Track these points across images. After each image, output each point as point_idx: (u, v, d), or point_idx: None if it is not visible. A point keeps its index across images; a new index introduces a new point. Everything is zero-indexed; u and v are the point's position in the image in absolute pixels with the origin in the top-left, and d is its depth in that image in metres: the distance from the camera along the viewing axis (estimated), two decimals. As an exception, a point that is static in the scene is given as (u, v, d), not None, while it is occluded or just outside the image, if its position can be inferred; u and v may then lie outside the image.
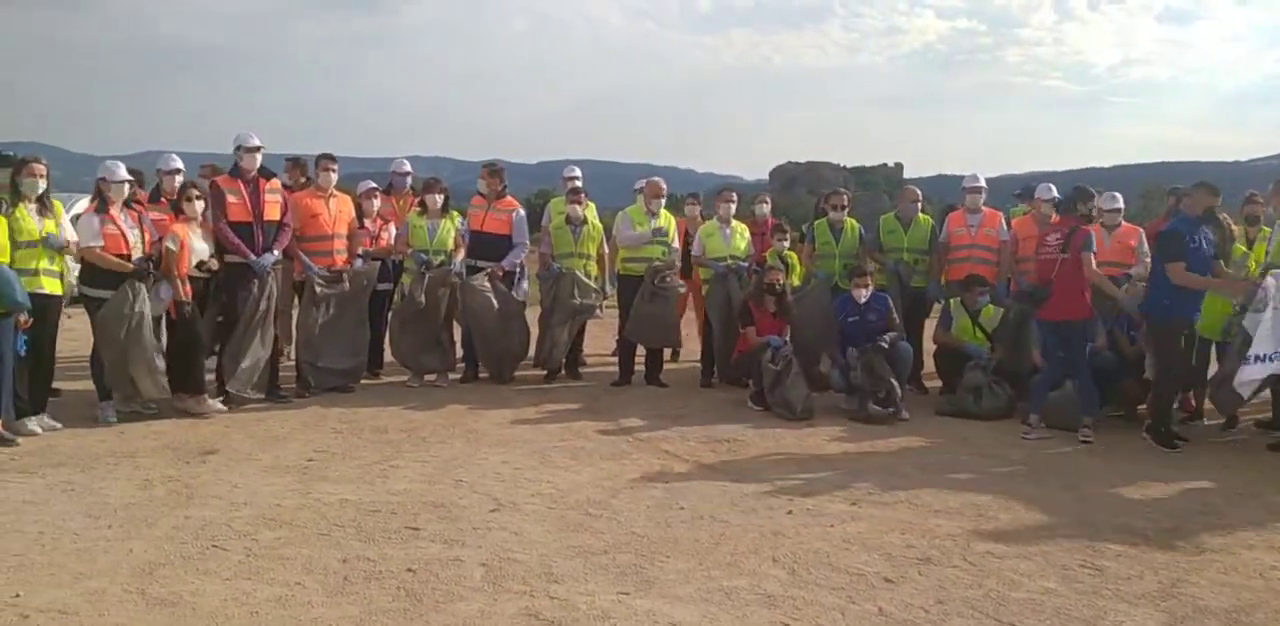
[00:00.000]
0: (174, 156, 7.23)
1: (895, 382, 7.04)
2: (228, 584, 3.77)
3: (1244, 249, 7.20)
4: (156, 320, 6.35)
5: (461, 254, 7.93)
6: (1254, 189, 7.97)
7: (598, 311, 10.92)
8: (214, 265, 6.74)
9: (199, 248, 6.68)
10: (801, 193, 70.92)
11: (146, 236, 6.44)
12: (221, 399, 6.79)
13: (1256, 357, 6.17)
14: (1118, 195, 7.85)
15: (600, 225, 8.52)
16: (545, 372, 8.37)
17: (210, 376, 7.00)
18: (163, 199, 6.95)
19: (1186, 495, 5.32)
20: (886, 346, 7.16)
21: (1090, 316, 6.75)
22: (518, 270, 8.40)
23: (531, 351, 8.34)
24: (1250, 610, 3.74)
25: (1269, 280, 6.31)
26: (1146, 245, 7.58)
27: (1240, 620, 3.65)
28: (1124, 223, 7.78)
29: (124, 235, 6.30)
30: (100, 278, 6.29)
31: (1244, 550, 4.43)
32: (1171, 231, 6.58)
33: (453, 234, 7.93)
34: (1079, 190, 6.87)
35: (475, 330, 7.99)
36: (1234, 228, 7.46)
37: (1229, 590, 3.94)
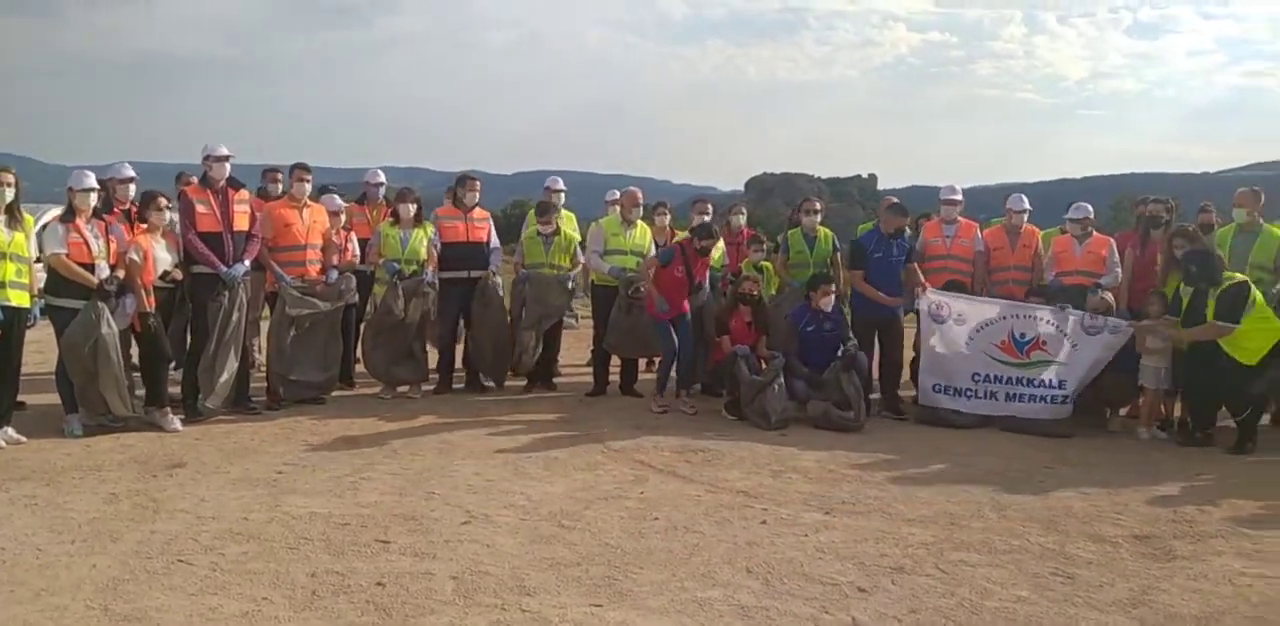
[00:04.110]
0: (126, 165, 7.14)
1: (860, 392, 7.09)
2: (193, 599, 3.71)
3: None
4: (121, 334, 6.27)
5: (434, 264, 7.89)
6: (1208, 200, 8.39)
7: (574, 321, 10.89)
8: (178, 275, 6.66)
9: (163, 258, 6.59)
10: (777, 203, 71.09)
11: (112, 247, 6.36)
12: (182, 417, 6.68)
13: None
14: (1086, 205, 7.95)
15: (575, 235, 8.51)
16: (525, 383, 8.35)
17: (174, 389, 6.91)
18: (115, 208, 6.86)
19: (1157, 502, 5.35)
20: (853, 354, 7.24)
21: (686, 311, 7.58)
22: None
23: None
24: (1219, 616, 3.77)
25: (929, 298, 7.46)
26: (1117, 255, 7.70)
27: (1210, 626, 3.67)
28: (1095, 233, 7.87)
29: (88, 244, 6.22)
30: (65, 287, 6.19)
31: (1213, 556, 4.46)
32: (854, 244, 7.86)
33: (425, 244, 7.88)
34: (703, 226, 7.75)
35: (485, 337, 8.00)
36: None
37: (1199, 596, 3.96)
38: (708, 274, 7.81)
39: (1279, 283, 7.10)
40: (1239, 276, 6.68)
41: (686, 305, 7.59)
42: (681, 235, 8.33)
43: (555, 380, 8.59)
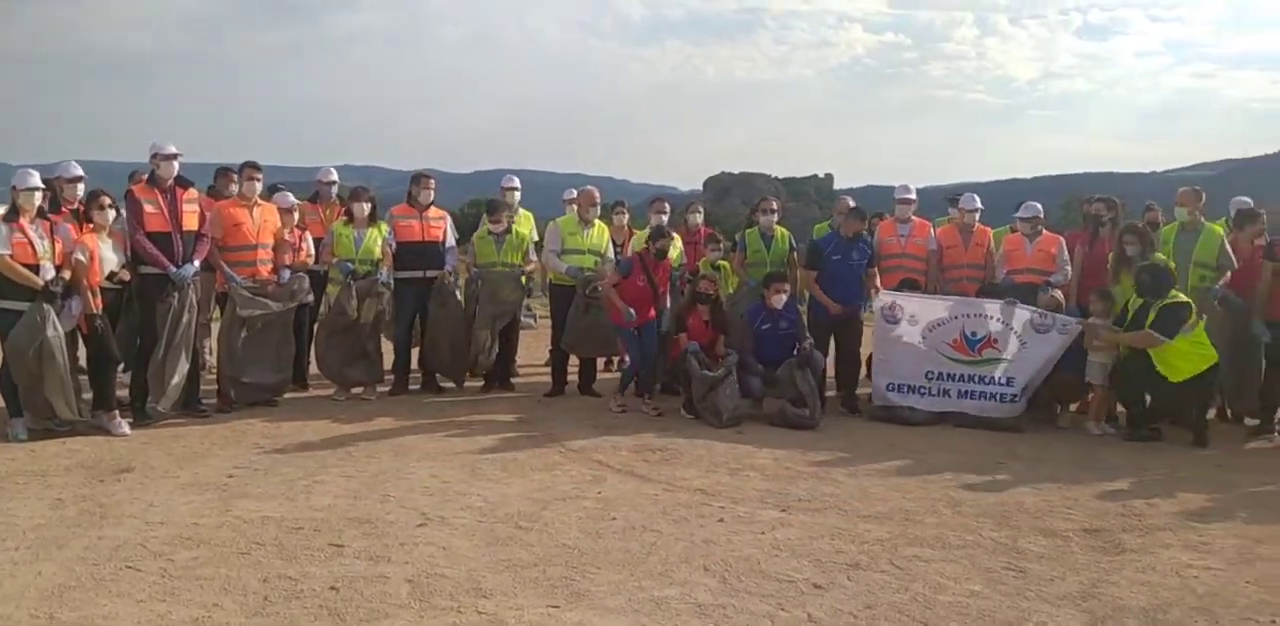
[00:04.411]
0: (74, 164, 6.97)
1: (815, 390, 7.16)
2: (142, 606, 3.64)
3: (1162, 256, 7.44)
4: (68, 335, 6.14)
5: (389, 264, 7.82)
6: (1153, 199, 8.77)
7: (531, 321, 10.82)
8: (125, 276, 6.54)
9: (109, 258, 6.47)
10: (735, 203, 71.49)
11: (57, 247, 6.22)
12: (130, 421, 6.55)
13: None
14: (1036, 204, 8.08)
15: (527, 234, 8.45)
16: (482, 384, 8.32)
17: (121, 392, 6.78)
18: (63, 208, 6.72)
19: (1106, 496, 5.45)
20: (809, 353, 7.34)
21: (653, 317, 7.64)
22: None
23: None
24: (1167, 608, 3.83)
25: (882, 299, 7.62)
26: (1067, 254, 7.83)
27: (1157, 618, 3.74)
28: (1045, 232, 8.00)
29: (32, 245, 6.08)
30: (9, 288, 6.05)
31: (1161, 549, 4.55)
32: (812, 245, 8.04)
33: (379, 243, 7.80)
34: (656, 229, 7.82)
35: (442, 337, 7.91)
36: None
37: (1147, 589, 4.03)
38: (669, 281, 7.79)
39: (1221, 279, 7.27)
40: (1183, 297, 6.83)
41: (653, 312, 7.59)
42: (640, 237, 8.33)
43: (513, 380, 8.55)
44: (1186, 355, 6.70)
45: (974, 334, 7.44)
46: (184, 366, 6.69)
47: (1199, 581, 4.14)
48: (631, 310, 7.35)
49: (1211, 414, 7.38)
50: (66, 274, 6.19)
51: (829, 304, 7.68)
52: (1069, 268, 7.80)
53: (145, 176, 6.99)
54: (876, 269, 7.91)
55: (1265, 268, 7.14)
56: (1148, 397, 6.99)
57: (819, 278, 7.81)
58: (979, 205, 8.19)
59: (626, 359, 9.18)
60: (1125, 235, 7.43)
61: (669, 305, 7.87)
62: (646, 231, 8.37)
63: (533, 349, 9.72)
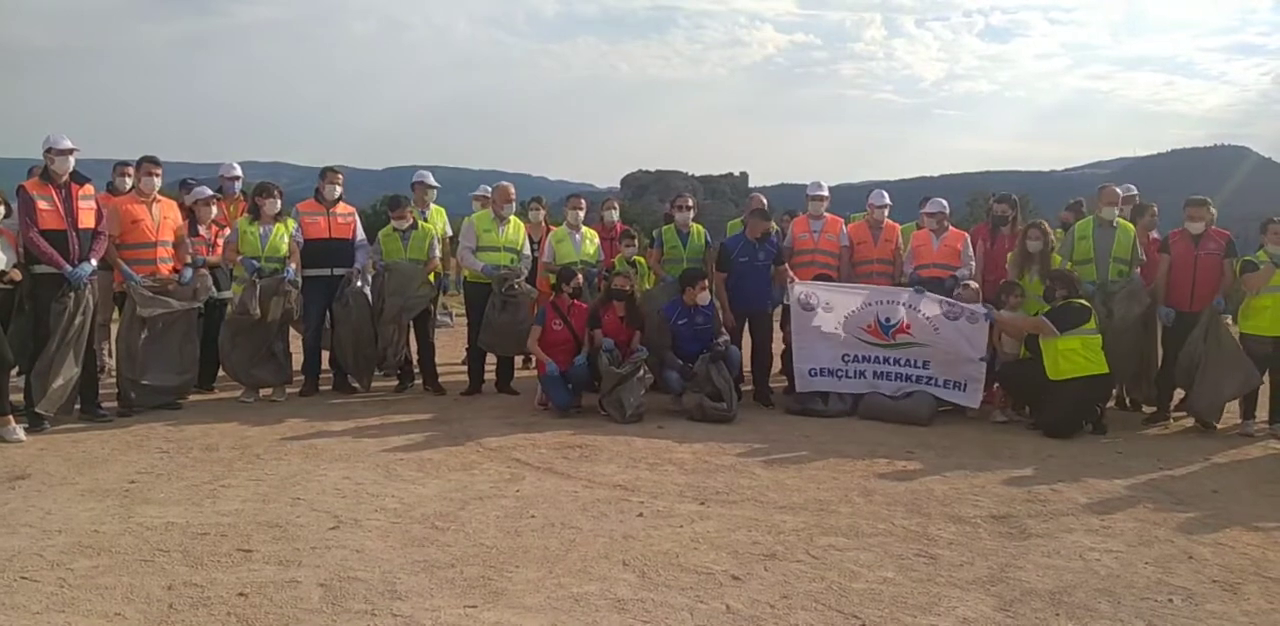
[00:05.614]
0: None
1: (730, 384, 7.23)
2: (37, 618, 3.48)
3: (1060, 256, 7.68)
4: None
5: (297, 261, 7.63)
6: (1074, 197, 8.90)
7: (447, 320, 10.68)
8: (17, 276, 6.25)
9: (-1, 257, 6.20)
10: (652, 200, 71.86)
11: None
12: (25, 425, 6.27)
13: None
14: (942, 200, 8.29)
15: (431, 229, 8.33)
16: (397, 383, 8.20)
17: (16, 396, 6.47)
18: None
19: (1012, 483, 5.61)
20: (722, 350, 7.38)
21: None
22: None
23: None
24: (1071, 590, 3.96)
25: (797, 289, 7.71)
26: (971, 249, 8.04)
27: (1063, 600, 3.85)
28: (951, 228, 8.20)
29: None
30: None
31: (1065, 533, 4.70)
32: (720, 247, 8.11)
33: (286, 240, 7.61)
34: (563, 273, 7.75)
35: (347, 337, 7.76)
36: (1055, 237, 7.93)
37: (1052, 572, 4.16)
38: (585, 320, 7.66)
39: (1134, 271, 7.54)
40: (1084, 303, 7.02)
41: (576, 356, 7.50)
42: (557, 233, 8.28)
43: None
44: (1071, 355, 6.85)
45: (887, 320, 7.64)
46: (70, 369, 6.42)
47: (1101, 564, 4.28)
48: (553, 362, 7.30)
49: (1110, 403, 7.65)
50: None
51: (724, 315, 7.81)
52: (974, 262, 8.01)
53: (40, 171, 6.71)
54: (787, 265, 8.00)
55: (1162, 260, 7.43)
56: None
57: (727, 278, 7.90)
58: (887, 201, 8.37)
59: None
60: (1030, 230, 7.64)
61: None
62: (563, 226, 8.34)
63: (449, 348, 9.61)
